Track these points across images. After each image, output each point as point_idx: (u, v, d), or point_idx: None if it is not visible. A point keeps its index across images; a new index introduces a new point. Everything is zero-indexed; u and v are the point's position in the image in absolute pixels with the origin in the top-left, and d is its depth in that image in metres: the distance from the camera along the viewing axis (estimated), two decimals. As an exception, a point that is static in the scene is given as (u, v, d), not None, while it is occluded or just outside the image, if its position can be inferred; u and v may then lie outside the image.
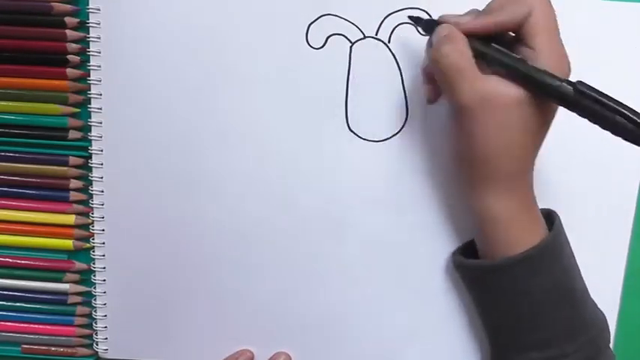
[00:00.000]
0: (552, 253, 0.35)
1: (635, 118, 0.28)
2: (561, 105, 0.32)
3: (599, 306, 0.38)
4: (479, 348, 0.43)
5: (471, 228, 0.41)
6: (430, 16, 0.38)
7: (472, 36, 0.33)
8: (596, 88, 0.30)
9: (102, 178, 0.41)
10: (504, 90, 0.32)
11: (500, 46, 0.32)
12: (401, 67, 0.39)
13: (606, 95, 0.29)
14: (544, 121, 0.33)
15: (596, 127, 0.39)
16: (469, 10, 0.35)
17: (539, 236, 0.35)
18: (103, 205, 0.42)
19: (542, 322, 0.35)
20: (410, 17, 0.37)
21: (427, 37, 0.36)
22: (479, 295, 0.38)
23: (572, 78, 0.39)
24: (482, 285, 0.37)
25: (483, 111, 0.32)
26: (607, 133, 0.39)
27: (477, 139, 0.33)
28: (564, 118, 0.39)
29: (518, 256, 0.34)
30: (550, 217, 0.37)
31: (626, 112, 0.28)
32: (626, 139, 0.28)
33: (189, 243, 0.42)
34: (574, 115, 0.39)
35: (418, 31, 0.39)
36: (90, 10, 0.39)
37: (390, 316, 0.43)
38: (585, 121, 0.39)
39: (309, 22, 0.39)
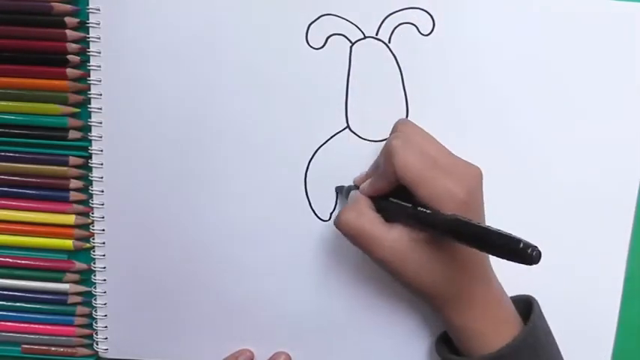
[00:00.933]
0: (529, 347, 0.35)
1: (510, 242, 0.28)
2: (451, 239, 0.32)
3: (599, 306, 0.38)
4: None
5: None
6: (431, 16, 0.38)
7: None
8: (469, 221, 0.30)
9: (102, 178, 0.41)
10: (406, 240, 0.34)
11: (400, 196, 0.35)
12: (401, 67, 0.39)
13: (480, 227, 0.30)
14: (461, 249, 0.34)
15: (596, 127, 0.40)
16: (374, 162, 0.38)
17: (513, 332, 0.35)
18: (103, 205, 0.42)
19: None
20: (335, 188, 0.41)
21: (429, 39, 0.36)
22: None
23: (572, 77, 0.39)
24: None
25: (394, 261, 0.34)
26: (607, 134, 0.40)
27: (404, 280, 0.35)
28: (564, 118, 0.40)
29: (492, 355, 0.34)
30: (528, 305, 0.37)
31: (504, 240, 0.29)
32: (512, 260, 0.28)
33: (190, 243, 0.42)
34: (574, 115, 0.40)
35: (419, 32, 0.39)
36: (90, 10, 0.39)
37: (391, 315, 0.43)
38: (585, 121, 0.40)
39: (309, 22, 0.39)
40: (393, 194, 0.35)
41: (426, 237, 0.34)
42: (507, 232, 0.28)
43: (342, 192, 0.41)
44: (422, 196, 0.33)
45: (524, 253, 0.27)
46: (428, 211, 0.33)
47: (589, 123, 0.40)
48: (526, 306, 0.37)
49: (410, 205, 0.34)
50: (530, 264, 0.27)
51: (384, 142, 0.40)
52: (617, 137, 0.40)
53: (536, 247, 0.27)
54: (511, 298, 0.38)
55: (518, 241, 0.27)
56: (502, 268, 0.36)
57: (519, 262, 0.27)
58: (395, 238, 0.34)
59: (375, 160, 0.39)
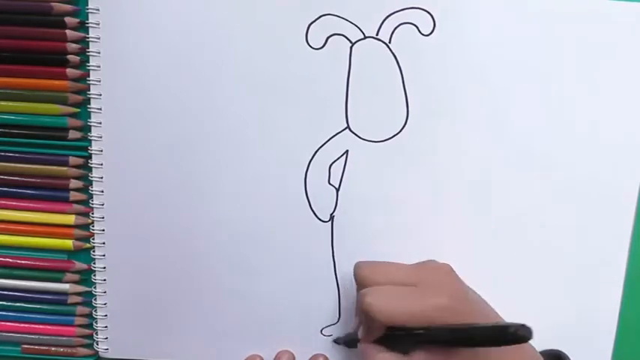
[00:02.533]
0: None
1: (496, 332, 0.30)
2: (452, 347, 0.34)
3: (599, 306, 0.38)
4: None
5: (471, 228, 0.41)
6: (432, 16, 0.38)
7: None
8: (451, 328, 0.32)
9: (102, 178, 0.41)
10: None
11: None
12: (401, 67, 0.39)
13: (465, 327, 0.32)
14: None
15: (597, 128, 0.40)
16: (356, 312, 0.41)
17: None
18: (103, 205, 0.42)
19: None
20: (333, 341, 0.43)
21: (429, 39, 0.37)
22: None
23: (572, 77, 0.39)
24: None
25: None
26: (607, 134, 0.40)
27: None
28: (565, 118, 0.40)
29: None
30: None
31: (489, 329, 0.31)
32: (503, 345, 0.30)
33: (190, 243, 0.42)
34: (575, 115, 0.40)
35: (419, 32, 0.39)
36: (90, 10, 0.39)
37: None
38: (586, 121, 0.40)
39: (309, 22, 0.39)
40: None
41: (444, 354, 0.34)
42: (492, 323, 0.30)
43: (340, 342, 0.42)
44: (413, 326, 0.34)
45: (517, 336, 0.29)
46: (421, 331, 0.34)
47: (590, 123, 0.40)
48: None
49: (404, 333, 0.34)
50: (520, 342, 0.29)
51: (384, 142, 0.40)
52: (618, 137, 0.40)
53: (524, 325, 0.28)
54: (541, 352, 0.37)
55: (506, 327, 0.29)
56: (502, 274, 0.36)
57: (512, 343, 0.29)
58: None
59: (355, 308, 0.41)
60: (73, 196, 0.42)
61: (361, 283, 0.38)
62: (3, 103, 0.41)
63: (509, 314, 0.42)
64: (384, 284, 0.36)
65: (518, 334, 0.28)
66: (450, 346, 0.33)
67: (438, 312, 0.33)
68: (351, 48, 0.39)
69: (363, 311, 0.36)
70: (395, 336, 0.36)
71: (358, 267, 0.39)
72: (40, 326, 0.44)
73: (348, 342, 0.42)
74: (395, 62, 0.39)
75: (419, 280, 0.35)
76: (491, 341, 0.31)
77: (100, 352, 0.45)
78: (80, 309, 0.44)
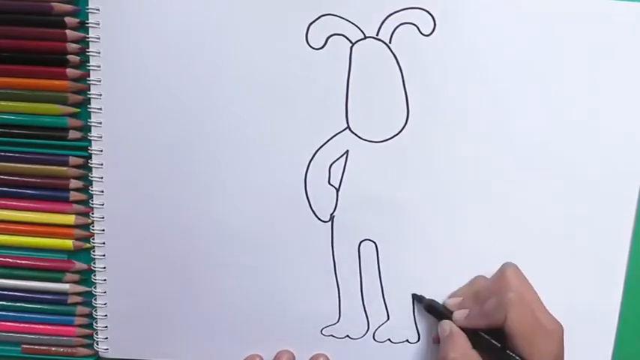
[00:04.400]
0: None
1: None
2: None
3: (599, 306, 0.38)
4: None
5: (471, 227, 0.41)
6: (432, 16, 0.38)
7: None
8: None
9: (102, 178, 0.41)
10: None
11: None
12: (402, 67, 0.39)
13: None
14: None
15: (597, 128, 0.40)
16: (470, 285, 0.41)
17: None
18: (103, 205, 0.42)
19: None
20: (413, 295, 0.42)
21: (429, 39, 0.37)
22: None
23: (572, 77, 0.39)
24: None
25: None
26: (608, 134, 0.40)
27: None
28: (565, 118, 0.40)
29: None
30: None
31: None
32: None
33: (190, 243, 0.42)
34: (575, 115, 0.40)
35: (420, 32, 0.39)
36: (90, 10, 0.39)
37: (391, 313, 0.43)
38: (586, 122, 0.40)
39: (309, 22, 0.39)
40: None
41: None
42: None
43: (421, 302, 0.42)
44: (522, 350, 0.35)
45: None
46: None
47: (590, 123, 0.40)
48: None
49: (509, 352, 0.36)
50: None
51: (385, 142, 0.40)
52: (618, 137, 0.40)
53: None
54: None
55: None
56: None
57: None
58: None
59: (470, 286, 0.41)
60: (73, 196, 0.42)
61: (503, 275, 0.38)
62: (3, 103, 0.41)
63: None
64: (528, 301, 0.37)
65: None
66: None
67: (546, 358, 0.36)
68: (351, 48, 0.39)
69: (497, 301, 0.37)
70: (484, 340, 0.37)
71: (510, 269, 0.39)
72: (40, 326, 0.44)
73: (438, 311, 0.41)
74: (395, 62, 0.39)
75: (545, 322, 0.37)
76: None
77: (100, 352, 0.45)
78: (80, 309, 0.44)
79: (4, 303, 0.44)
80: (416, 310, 0.43)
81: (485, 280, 0.40)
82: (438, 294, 0.42)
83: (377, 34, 0.39)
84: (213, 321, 0.43)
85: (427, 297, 0.42)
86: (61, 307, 0.44)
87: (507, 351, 0.36)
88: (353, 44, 0.39)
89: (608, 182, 0.40)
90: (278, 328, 0.43)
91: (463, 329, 0.39)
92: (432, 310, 0.41)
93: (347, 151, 0.41)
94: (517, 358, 0.35)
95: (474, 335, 0.38)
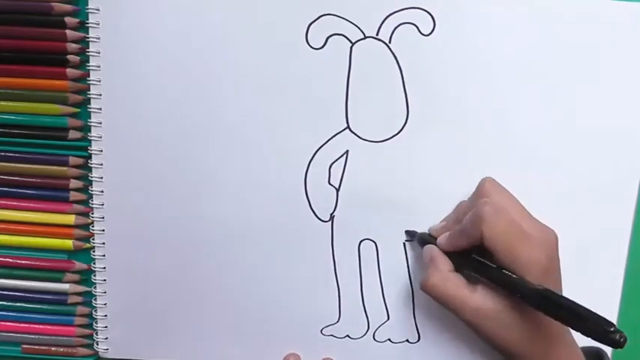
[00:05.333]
0: None
1: (603, 325, 0.28)
2: (535, 308, 0.32)
3: (599, 306, 0.38)
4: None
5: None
6: (432, 16, 0.38)
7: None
8: (560, 296, 0.31)
9: (102, 178, 0.41)
10: (491, 302, 0.34)
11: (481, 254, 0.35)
12: (401, 67, 0.39)
13: (571, 302, 0.30)
14: (539, 315, 0.33)
15: (597, 128, 0.40)
16: (454, 210, 0.40)
17: None
18: (103, 205, 0.42)
19: None
20: (406, 232, 0.41)
21: (429, 39, 0.37)
22: None
23: (572, 77, 0.39)
24: None
25: (480, 322, 0.35)
26: (608, 134, 0.40)
27: (491, 341, 0.35)
28: (565, 118, 0.40)
29: None
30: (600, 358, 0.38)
31: (592, 319, 0.29)
32: (597, 340, 0.29)
33: (190, 243, 0.42)
34: (575, 115, 0.40)
35: (419, 32, 0.39)
36: (89, 10, 0.39)
37: (391, 313, 0.43)
38: (585, 122, 0.40)
39: (309, 22, 0.39)
40: (470, 250, 0.36)
41: (509, 302, 0.34)
42: (595, 312, 0.29)
43: (414, 238, 0.41)
44: (506, 263, 0.33)
45: (613, 338, 0.27)
46: (514, 277, 0.33)
47: (589, 123, 0.40)
48: (596, 358, 0.38)
49: (495, 267, 0.34)
50: (616, 347, 0.28)
51: (384, 142, 0.40)
52: (618, 137, 0.40)
53: (623, 333, 0.27)
54: (581, 348, 0.37)
55: (610, 324, 0.28)
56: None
57: (605, 344, 0.28)
58: (479, 302, 0.34)
59: (454, 210, 0.40)
60: (73, 196, 0.42)
61: (480, 190, 0.37)
62: (3, 103, 0.41)
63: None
64: (505, 210, 0.35)
65: (615, 336, 0.27)
66: (523, 301, 0.32)
67: (535, 267, 0.33)
68: (351, 48, 0.39)
69: (472, 216, 0.35)
70: (473, 262, 0.35)
71: (489, 183, 0.37)
72: (40, 326, 0.44)
73: (421, 239, 0.40)
74: (395, 62, 0.39)
75: (530, 229, 0.34)
76: (582, 326, 0.29)
77: (100, 352, 0.45)
78: (80, 309, 0.44)
79: (4, 303, 0.44)
80: (416, 310, 0.43)
81: (466, 200, 0.39)
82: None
83: (377, 34, 0.39)
84: (213, 321, 0.43)
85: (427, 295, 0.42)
86: (61, 307, 0.44)
87: (494, 265, 0.34)
88: (353, 44, 0.39)
89: (608, 182, 0.40)
90: (278, 327, 0.43)
91: (450, 253, 0.37)
92: (423, 242, 0.40)
93: (347, 151, 0.41)
94: (506, 272, 0.33)
95: (461, 257, 0.36)
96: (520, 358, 0.35)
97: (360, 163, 0.41)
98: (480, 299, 0.34)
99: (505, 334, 0.34)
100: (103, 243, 0.42)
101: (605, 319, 0.28)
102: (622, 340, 0.27)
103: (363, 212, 0.41)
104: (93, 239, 0.43)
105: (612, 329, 0.27)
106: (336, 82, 0.40)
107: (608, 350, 0.39)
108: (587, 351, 0.38)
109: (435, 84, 0.39)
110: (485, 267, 0.34)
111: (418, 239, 0.41)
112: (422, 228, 0.41)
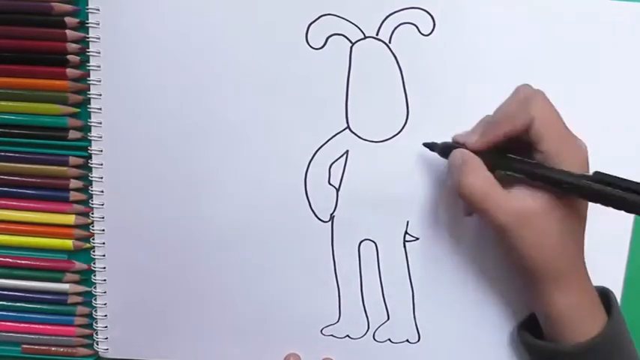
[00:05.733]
0: (617, 338, 0.36)
1: None
2: (585, 199, 0.32)
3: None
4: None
5: (472, 226, 0.41)
6: (432, 16, 0.38)
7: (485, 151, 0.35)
8: (612, 175, 0.30)
9: (102, 178, 0.41)
10: (531, 202, 0.33)
11: (516, 152, 0.34)
12: (401, 67, 0.39)
13: (624, 180, 0.29)
14: (578, 217, 0.34)
15: (597, 128, 0.40)
16: (480, 121, 0.38)
17: (599, 322, 0.35)
18: (103, 205, 0.42)
19: None
20: (424, 144, 0.39)
21: (429, 39, 0.37)
22: None
23: (572, 77, 0.39)
24: None
25: (517, 227, 0.33)
26: (608, 134, 0.40)
27: (519, 251, 0.34)
28: (565, 118, 0.40)
29: (583, 344, 0.35)
30: (606, 296, 0.38)
31: None
32: None
33: (190, 243, 0.42)
34: (575, 115, 0.39)
35: (419, 32, 0.39)
36: (90, 10, 0.39)
37: (392, 313, 0.43)
38: (585, 122, 0.40)
39: (309, 22, 0.39)
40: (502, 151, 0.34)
41: (548, 205, 0.33)
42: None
43: (432, 149, 0.39)
44: (552, 154, 0.32)
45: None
46: (560, 169, 0.32)
47: (589, 123, 0.40)
48: (602, 296, 0.37)
49: (535, 162, 0.33)
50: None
51: (384, 142, 0.40)
52: (618, 137, 0.40)
53: None
54: None
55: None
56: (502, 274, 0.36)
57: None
58: (517, 203, 0.33)
59: (482, 120, 0.38)
60: (73, 196, 0.42)
61: (523, 91, 0.36)
62: (3, 103, 0.41)
63: (509, 314, 0.42)
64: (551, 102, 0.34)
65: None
66: (573, 195, 0.32)
67: (578, 157, 0.33)
68: (351, 48, 0.39)
69: (518, 97, 0.34)
70: (509, 161, 0.34)
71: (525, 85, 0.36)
72: (40, 326, 0.44)
73: (444, 148, 0.38)
74: (395, 62, 0.39)
75: (569, 130, 0.34)
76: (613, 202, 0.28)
77: (100, 352, 0.45)
78: (80, 309, 0.44)
79: (4, 303, 0.44)
80: (416, 310, 0.43)
81: (500, 105, 0.37)
82: (439, 292, 0.42)
83: (377, 34, 0.39)
84: (213, 321, 0.43)
85: (428, 289, 0.42)
86: (61, 307, 0.44)
87: (544, 165, 0.32)
88: (353, 44, 0.39)
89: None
90: (278, 327, 0.43)
91: (481, 156, 0.35)
92: (447, 150, 0.37)
93: (347, 151, 0.41)
94: (550, 167, 0.32)
95: (493, 159, 0.35)
96: (545, 276, 0.35)
97: (360, 163, 0.41)
98: (518, 201, 0.33)
99: (541, 243, 0.33)
100: (103, 243, 0.42)
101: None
102: None
103: (363, 212, 0.41)
104: (93, 239, 0.43)
105: None
106: (336, 82, 0.40)
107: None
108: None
109: (435, 84, 0.39)
110: (524, 163, 0.33)
111: (440, 149, 0.38)
112: (422, 228, 0.41)
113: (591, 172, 0.34)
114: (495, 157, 0.35)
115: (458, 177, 0.35)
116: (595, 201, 0.31)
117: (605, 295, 0.38)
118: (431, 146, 0.39)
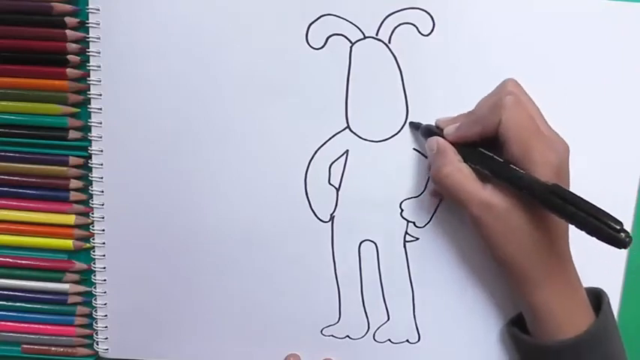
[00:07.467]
0: (603, 336, 0.35)
1: (610, 223, 0.29)
2: (541, 205, 0.32)
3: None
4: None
5: (472, 226, 0.41)
6: (431, 16, 0.38)
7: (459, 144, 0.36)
8: (570, 192, 0.31)
9: (102, 178, 0.41)
10: (501, 197, 0.34)
11: (489, 147, 0.35)
12: (401, 67, 0.39)
13: (580, 199, 0.30)
14: (553, 217, 0.33)
15: (597, 128, 0.40)
16: (463, 113, 0.38)
17: (586, 319, 0.35)
18: (103, 205, 0.42)
19: None
20: (410, 124, 0.40)
21: (428, 39, 0.37)
22: None
23: (572, 77, 0.39)
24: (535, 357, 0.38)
25: (489, 220, 0.34)
26: (607, 134, 0.40)
27: (493, 243, 0.35)
28: (565, 118, 0.40)
29: (567, 341, 0.35)
30: (598, 297, 0.38)
31: (600, 217, 0.29)
32: (601, 240, 0.29)
33: (189, 243, 0.42)
34: (575, 115, 0.40)
35: (419, 32, 0.39)
36: (90, 10, 0.39)
37: (392, 313, 0.43)
38: (585, 122, 0.40)
39: (309, 22, 0.39)
40: (476, 144, 0.35)
41: (519, 203, 0.33)
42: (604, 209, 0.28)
43: (417, 129, 0.39)
44: (517, 156, 0.33)
45: (619, 238, 0.27)
46: (522, 172, 0.32)
47: (589, 123, 0.40)
48: (594, 297, 0.37)
49: (502, 160, 0.33)
50: (620, 248, 0.27)
51: (384, 141, 0.40)
52: (617, 137, 0.40)
53: (629, 233, 0.27)
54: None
55: (618, 222, 0.28)
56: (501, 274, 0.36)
57: (609, 244, 0.28)
58: (489, 197, 0.34)
59: (468, 112, 0.38)
60: (73, 196, 0.42)
61: (504, 88, 0.36)
62: (3, 103, 0.41)
63: (509, 315, 0.42)
64: (526, 104, 0.34)
65: (621, 236, 0.27)
66: (533, 200, 0.32)
67: (546, 166, 0.33)
68: (351, 48, 0.39)
69: (491, 104, 0.34)
70: (482, 155, 0.34)
71: (512, 83, 0.36)
72: (40, 326, 0.44)
73: (426, 131, 0.39)
74: (395, 62, 0.39)
75: (546, 132, 0.34)
76: (590, 224, 0.28)
77: (100, 352, 0.45)
78: (80, 309, 0.44)
79: (4, 303, 0.44)
80: (416, 310, 0.43)
81: (481, 99, 0.38)
82: (439, 292, 0.42)
83: (376, 34, 0.39)
84: (213, 321, 0.43)
85: (428, 289, 0.42)
86: (61, 307, 0.44)
87: (508, 163, 0.33)
88: (353, 44, 0.39)
89: (608, 182, 0.40)
90: (278, 328, 0.43)
91: (455, 146, 0.36)
92: (428, 133, 0.38)
93: (347, 151, 0.41)
94: (514, 167, 0.33)
95: (466, 151, 0.36)
96: (520, 272, 0.35)
97: (360, 163, 0.41)
98: (489, 194, 0.34)
99: (511, 237, 0.34)
100: (103, 243, 0.42)
101: (613, 217, 0.28)
102: (627, 240, 0.27)
103: (363, 212, 0.41)
104: (93, 239, 0.43)
105: (618, 227, 0.27)
106: (336, 82, 0.40)
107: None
108: (587, 290, 0.37)
109: (435, 84, 0.39)
110: (491, 160, 0.34)
111: (423, 131, 0.39)
112: (422, 228, 0.41)
113: (572, 174, 0.35)
114: (468, 149, 0.36)
115: (435, 166, 0.36)
116: (551, 211, 0.31)
117: (597, 295, 0.38)
118: (416, 126, 0.40)
